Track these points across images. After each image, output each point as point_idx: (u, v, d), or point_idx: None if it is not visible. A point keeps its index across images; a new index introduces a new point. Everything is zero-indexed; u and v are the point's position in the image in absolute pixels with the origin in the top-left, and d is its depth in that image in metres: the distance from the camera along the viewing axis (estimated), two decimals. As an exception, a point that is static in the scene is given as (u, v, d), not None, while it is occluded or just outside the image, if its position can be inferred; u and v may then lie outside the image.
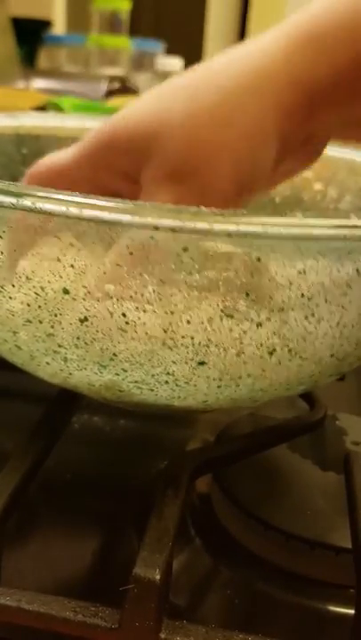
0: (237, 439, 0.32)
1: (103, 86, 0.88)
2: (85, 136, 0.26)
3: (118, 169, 0.25)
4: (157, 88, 0.25)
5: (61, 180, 0.26)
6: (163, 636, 0.21)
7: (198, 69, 0.25)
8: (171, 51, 1.31)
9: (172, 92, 0.24)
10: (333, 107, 0.24)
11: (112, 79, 0.91)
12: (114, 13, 1.11)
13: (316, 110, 0.24)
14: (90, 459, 0.35)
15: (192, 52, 1.60)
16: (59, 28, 1.31)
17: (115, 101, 0.80)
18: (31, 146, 0.39)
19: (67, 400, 0.31)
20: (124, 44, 1.12)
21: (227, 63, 0.24)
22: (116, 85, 0.90)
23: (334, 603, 0.27)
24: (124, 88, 0.92)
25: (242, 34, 1.92)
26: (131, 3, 1.13)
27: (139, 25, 1.38)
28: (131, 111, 0.25)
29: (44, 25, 1.21)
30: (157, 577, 0.21)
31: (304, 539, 0.28)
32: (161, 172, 0.23)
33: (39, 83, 0.89)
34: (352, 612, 0.25)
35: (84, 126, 0.41)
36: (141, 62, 1.20)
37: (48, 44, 1.18)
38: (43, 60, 1.19)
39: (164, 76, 1.16)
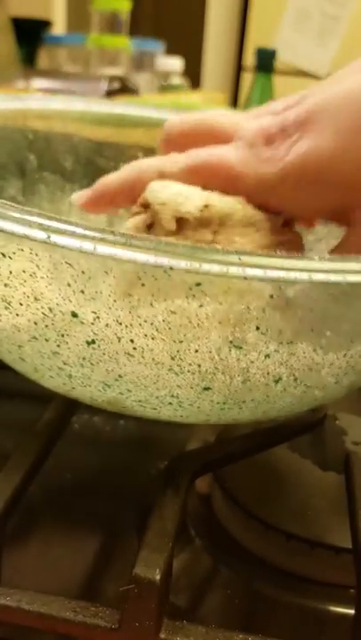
0: (237, 439, 0.32)
1: (103, 86, 0.88)
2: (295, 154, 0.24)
3: (322, 198, 0.24)
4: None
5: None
6: (163, 636, 0.21)
7: None
8: (171, 51, 1.31)
9: None
10: None
11: (112, 79, 0.91)
12: (114, 13, 1.11)
13: None
14: (90, 459, 0.35)
15: (192, 52, 1.60)
16: (59, 27, 1.31)
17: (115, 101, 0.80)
18: (36, 132, 0.39)
19: (67, 400, 0.31)
20: (124, 44, 1.11)
21: None
22: (116, 85, 0.90)
23: (334, 603, 0.27)
24: (124, 88, 0.92)
25: (242, 34, 1.92)
26: (131, 3, 1.13)
27: (139, 25, 1.38)
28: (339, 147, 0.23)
29: (44, 25, 1.21)
30: (157, 577, 0.21)
31: (304, 539, 0.28)
32: None
33: (39, 83, 0.89)
34: (352, 612, 0.25)
35: (90, 109, 0.41)
36: (141, 62, 1.20)
37: (48, 44, 1.18)
38: (43, 59, 1.19)
39: (164, 76, 1.16)
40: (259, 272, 0.18)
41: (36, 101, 0.39)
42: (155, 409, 0.24)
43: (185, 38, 1.68)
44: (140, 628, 0.21)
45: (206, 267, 0.18)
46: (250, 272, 0.18)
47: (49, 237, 0.18)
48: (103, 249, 0.18)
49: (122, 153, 0.41)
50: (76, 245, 0.18)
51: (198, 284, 0.19)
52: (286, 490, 0.31)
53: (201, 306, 0.20)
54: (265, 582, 0.28)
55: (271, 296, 0.20)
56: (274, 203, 0.25)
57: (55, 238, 0.18)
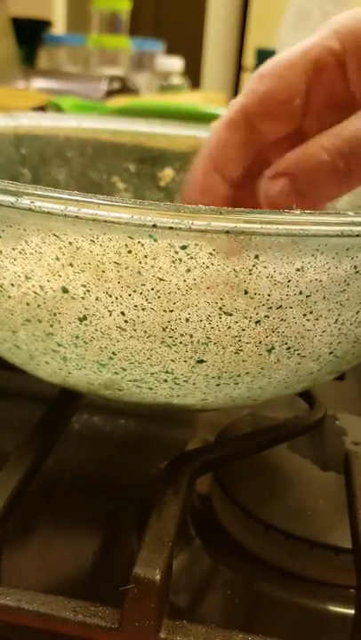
0: (237, 439, 0.32)
1: (103, 86, 0.88)
2: None
3: None
4: None
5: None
6: (163, 635, 0.21)
7: None
8: (171, 51, 1.31)
9: None
10: None
11: (112, 79, 0.91)
12: (114, 13, 1.11)
13: None
14: (90, 459, 0.35)
15: (192, 52, 1.61)
16: (59, 28, 1.32)
17: (115, 101, 0.80)
18: (30, 146, 0.39)
19: (67, 400, 0.31)
20: (124, 44, 1.12)
21: None
22: (116, 85, 0.90)
23: (334, 603, 0.27)
24: (124, 88, 0.92)
25: (242, 34, 1.92)
26: (131, 3, 1.13)
27: (139, 25, 1.38)
28: None
29: (44, 25, 1.21)
30: (157, 577, 0.21)
31: (304, 539, 0.28)
32: None
33: (39, 83, 0.89)
34: (352, 612, 0.25)
35: (82, 126, 0.42)
36: (141, 62, 1.20)
37: (48, 44, 1.18)
38: (43, 59, 1.19)
39: (164, 76, 1.16)
40: (242, 225, 0.19)
41: (26, 119, 0.40)
42: (150, 388, 0.24)
43: (185, 38, 1.68)
44: (139, 628, 0.21)
45: (188, 222, 0.18)
46: (231, 225, 0.18)
47: (32, 203, 0.19)
48: (87, 211, 0.19)
49: (115, 166, 0.42)
50: (59, 209, 0.19)
51: (184, 247, 0.20)
52: (286, 490, 0.31)
53: (188, 270, 0.20)
54: (265, 582, 0.28)
55: (257, 257, 0.20)
56: None
57: (39, 204, 0.19)
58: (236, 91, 1.93)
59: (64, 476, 0.33)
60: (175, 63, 1.17)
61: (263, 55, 0.92)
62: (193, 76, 1.47)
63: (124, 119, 0.44)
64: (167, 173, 0.42)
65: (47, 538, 0.29)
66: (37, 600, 0.22)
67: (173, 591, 0.24)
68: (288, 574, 0.28)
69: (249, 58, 1.73)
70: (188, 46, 1.60)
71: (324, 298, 0.21)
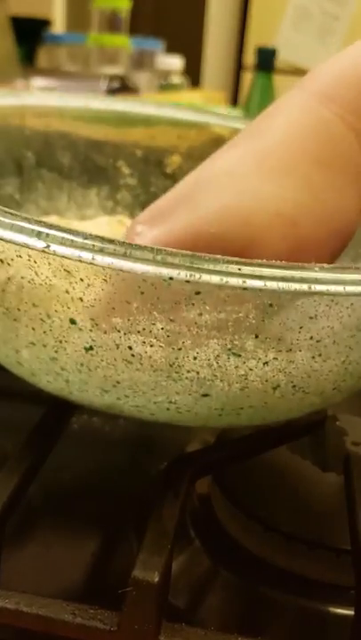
0: (237, 441, 0.32)
1: (103, 85, 0.88)
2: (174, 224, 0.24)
3: None
4: (226, 182, 0.24)
5: None
6: (162, 638, 0.21)
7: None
8: (171, 50, 1.31)
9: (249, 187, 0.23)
10: None
11: (112, 78, 0.91)
12: (114, 12, 1.11)
13: None
14: (89, 459, 0.35)
15: (192, 52, 1.60)
16: (58, 26, 1.31)
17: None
18: (34, 129, 0.38)
19: (66, 401, 0.31)
20: (124, 43, 1.11)
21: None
22: (116, 84, 0.90)
23: (334, 604, 0.27)
24: (124, 87, 0.92)
25: (242, 33, 1.92)
26: (131, 2, 1.13)
27: (139, 24, 1.37)
28: (214, 211, 0.23)
29: (44, 24, 1.21)
30: (156, 579, 0.21)
31: (304, 540, 0.28)
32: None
33: (39, 82, 0.89)
34: (352, 613, 0.25)
35: (88, 106, 0.40)
36: (141, 61, 1.20)
37: (48, 42, 1.18)
38: (42, 58, 1.19)
39: (164, 74, 1.16)
40: (258, 283, 0.18)
41: (33, 98, 0.39)
42: (152, 414, 0.24)
43: (185, 37, 1.68)
44: (138, 631, 0.21)
45: (206, 277, 0.18)
46: (249, 283, 0.18)
47: (48, 247, 0.18)
48: (102, 259, 0.18)
49: (120, 150, 0.41)
50: (74, 255, 0.18)
51: (198, 293, 0.19)
52: (286, 491, 0.30)
53: (200, 314, 0.20)
54: (265, 583, 0.28)
55: (270, 305, 0.20)
56: None
57: (54, 247, 0.18)
58: (236, 90, 1.93)
59: (63, 477, 0.33)
60: (175, 62, 1.17)
61: (263, 54, 0.91)
62: (193, 74, 1.46)
63: (132, 101, 0.42)
64: (174, 160, 0.41)
65: (46, 539, 0.29)
66: (36, 602, 0.22)
67: (173, 593, 0.24)
68: (288, 575, 0.28)
69: (249, 56, 1.72)
70: (188, 45, 1.60)
71: (334, 342, 0.21)
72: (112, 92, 0.88)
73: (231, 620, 0.26)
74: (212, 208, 0.23)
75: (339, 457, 0.32)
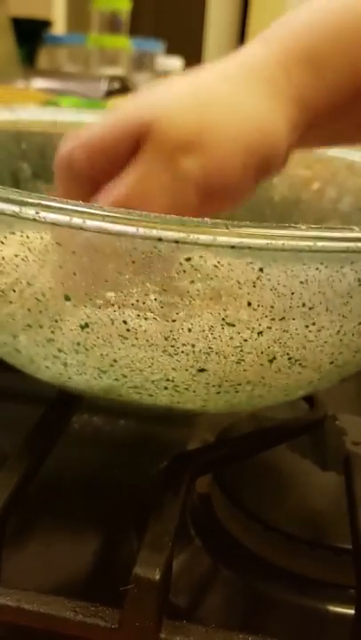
0: (237, 439, 0.32)
1: (103, 86, 0.88)
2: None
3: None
4: (162, 87, 0.25)
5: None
6: (163, 636, 0.21)
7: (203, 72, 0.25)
8: (171, 51, 1.31)
9: (181, 89, 0.25)
10: (327, 123, 0.26)
11: (112, 79, 0.91)
12: (114, 13, 1.11)
13: (311, 126, 0.25)
14: (90, 459, 0.35)
15: (192, 52, 1.60)
16: (59, 27, 1.32)
17: (114, 101, 0.80)
18: (30, 140, 0.39)
19: (66, 400, 0.31)
20: (124, 43, 1.12)
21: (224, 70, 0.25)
22: (116, 85, 0.90)
23: (334, 603, 0.27)
24: (124, 88, 0.92)
25: (242, 34, 1.92)
26: (131, 3, 1.13)
27: (139, 25, 1.38)
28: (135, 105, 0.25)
29: (44, 25, 1.21)
30: (157, 577, 0.21)
31: (304, 539, 0.28)
32: (167, 144, 0.23)
33: (39, 82, 0.89)
34: (352, 612, 0.25)
35: (82, 120, 0.41)
36: (141, 62, 1.20)
37: (48, 43, 1.18)
38: (43, 59, 1.19)
39: (165, 75, 1.16)
40: (248, 241, 0.18)
41: (27, 113, 0.40)
42: (151, 395, 0.24)
43: (185, 38, 1.68)
44: (139, 628, 0.21)
45: (194, 237, 0.18)
46: (237, 241, 0.18)
47: (38, 213, 0.18)
48: (92, 223, 0.18)
49: None
50: (65, 220, 0.18)
51: (188, 259, 0.20)
52: (286, 490, 0.31)
53: (192, 282, 0.20)
54: (265, 582, 0.28)
55: (261, 269, 0.20)
56: None
57: (44, 214, 0.18)
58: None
59: (64, 476, 0.33)
60: (175, 63, 1.17)
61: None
62: (193, 75, 1.46)
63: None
64: None
65: (47, 538, 0.29)
66: (37, 600, 0.22)
67: (173, 592, 0.24)
68: (288, 574, 0.28)
69: (249, 58, 1.73)
70: (188, 46, 1.60)
71: (327, 310, 0.21)
72: (112, 93, 0.88)
73: (231, 618, 0.26)
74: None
75: (339, 456, 0.32)
